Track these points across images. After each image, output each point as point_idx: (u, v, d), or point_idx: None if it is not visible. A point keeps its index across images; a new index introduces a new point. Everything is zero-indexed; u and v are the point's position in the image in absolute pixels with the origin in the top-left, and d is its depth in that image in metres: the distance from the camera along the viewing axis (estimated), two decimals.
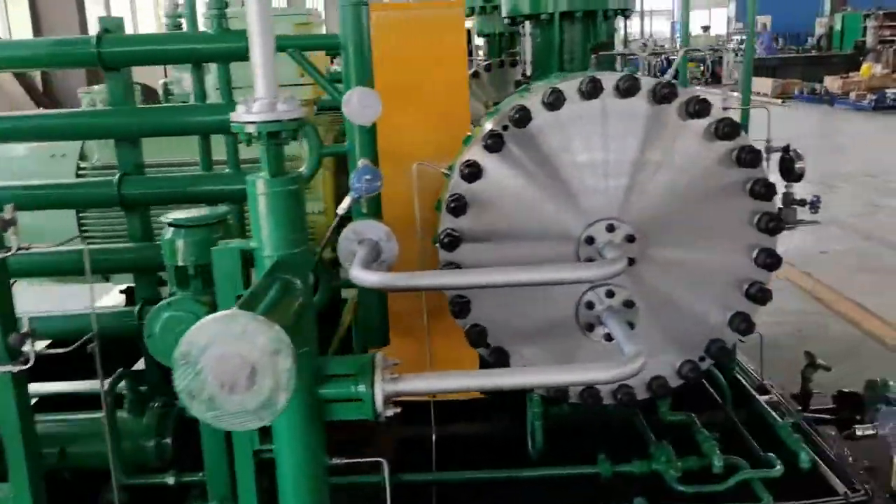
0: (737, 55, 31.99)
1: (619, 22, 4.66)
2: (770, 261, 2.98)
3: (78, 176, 4.12)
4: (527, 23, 4.25)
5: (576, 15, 4.06)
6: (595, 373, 2.41)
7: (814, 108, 21.96)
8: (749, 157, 2.88)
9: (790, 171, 3.19)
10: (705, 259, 3.03)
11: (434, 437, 3.41)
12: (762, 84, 25.85)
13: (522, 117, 2.89)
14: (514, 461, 3.41)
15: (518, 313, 3.08)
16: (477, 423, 3.70)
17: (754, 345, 4.16)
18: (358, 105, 2.97)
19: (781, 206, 3.29)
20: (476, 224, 3.00)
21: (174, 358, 1.80)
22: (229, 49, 3.17)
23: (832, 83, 23.20)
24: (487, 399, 3.76)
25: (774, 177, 3.29)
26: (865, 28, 27.94)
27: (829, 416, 3.82)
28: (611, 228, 2.97)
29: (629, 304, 3.02)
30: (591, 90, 2.86)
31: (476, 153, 2.95)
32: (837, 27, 29.89)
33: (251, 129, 2.21)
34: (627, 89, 2.86)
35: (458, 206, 2.94)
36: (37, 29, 12.84)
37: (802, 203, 3.21)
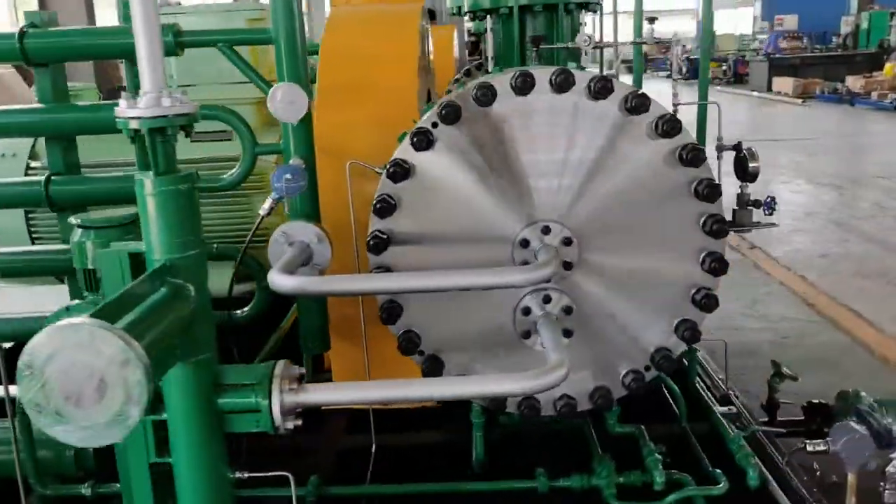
0: (757, 53, 31.45)
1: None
2: (716, 266, 2.81)
3: (27, 175, 4.04)
4: (488, 17, 4.11)
5: (535, 8, 3.93)
6: (509, 384, 2.25)
7: (834, 108, 21.54)
8: (691, 156, 2.72)
9: (745, 170, 3.01)
10: (649, 264, 2.87)
11: (374, 448, 3.28)
12: (783, 83, 25.49)
13: (450, 113, 2.75)
14: (461, 473, 3.27)
15: (453, 319, 2.94)
16: (430, 431, 3.56)
17: (733, 352, 4.00)
18: (283, 101, 2.86)
19: (736, 208, 3.12)
20: (406, 226, 2.86)
21: (18, 368, 1.69)
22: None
23: (854, 82, 22.77)
24: (442, 407, 3.62)
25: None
26: (891, 27, 27.39)
27: (796, 429, 3.63)
28: (546, 231, 2.82)
29: (568, 311, 2.87)
30: (522, 85, 2.71)
31: (404, 151, 2.81)
32: (864, 26, 29.33)
33: (135, 124, 2.09)
34: (561, 84, 2.71)
35: (384, 208, 2.81)
36: None
37: (757, 204, 3.03)
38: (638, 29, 4.36)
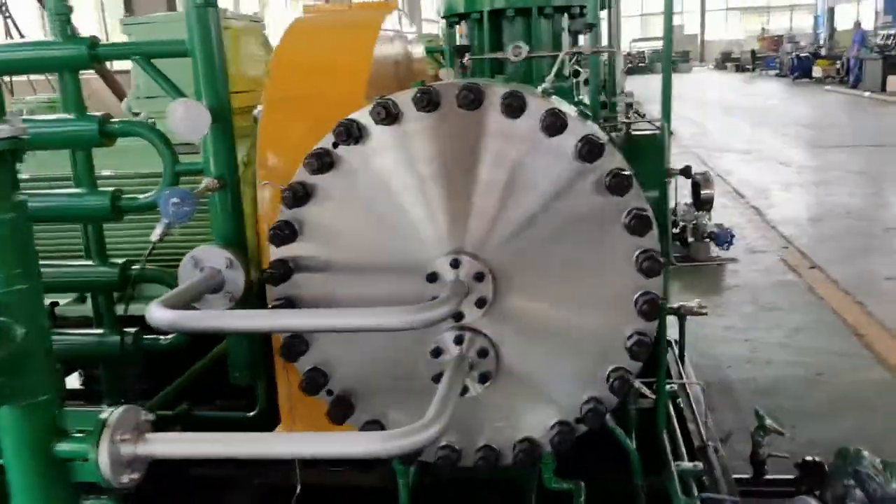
0: (871, 51, 29.48)
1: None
2: (647, 308, 2.45)
3: None
4: (463, 23, 3.83)
5: (507, 13, 3.62)
6: (354, 445, 1.99)
7: None
8: (614, 183, 2.37)
9: (698, 197, 2.63)
10: (576, 304, 2.53)
11: (299, 487, 3.06)
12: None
13: (351, 132, 2.49)
14: None
15: (363, 359, 2.68)
16: (362, 473, 3.31)
17: (755, 389, 3.57)
18: (181, 119, 2.67)
19: (692, 240, 2.73)
20: (310, 253, 2.62)
21: None
22: (72, 57, 2.93)
23: None
24: None
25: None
26: None
27: (787, 488, 3.20)
28: (455, 264, 2.52)
29: (483, 354, 2.56)
30: (428, 102, 2.43)
31: (302, 173, 2.57)
32: None
33: None
34: (470, 101, 2.41)
35: (280, 236, 2.58)
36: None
37: (712, 237, 2.64)
38: (668, 33, 3.95)
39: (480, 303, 2.53)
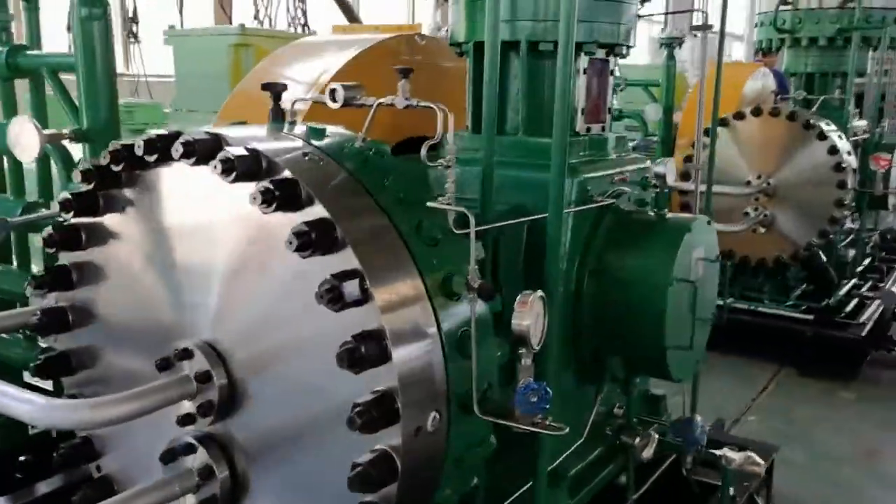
0: None
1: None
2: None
3: None
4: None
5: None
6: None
7: None
8: (301, 243, 1.67)
9: None
10: (318, 402, 1.85)
11: None
12: None
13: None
14: None
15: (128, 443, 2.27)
16: None
17: None
18: (15, 137, 2.48)
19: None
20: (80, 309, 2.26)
21: None
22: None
23: None
24: None
25: None
26: None
27: None
28: (186, 355, 1.98)
29: (206, 474, 1.99)
30: (150, 150, 1.92)
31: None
32: None
33: None
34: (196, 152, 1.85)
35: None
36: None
37: None
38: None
39: (206, 408, 1.97)
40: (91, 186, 2.10)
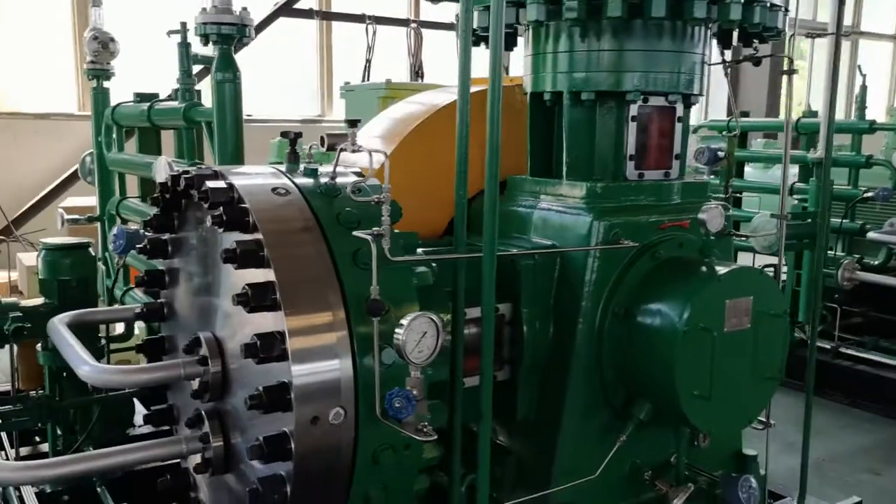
0: None
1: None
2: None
3: None
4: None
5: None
6: None
7: None
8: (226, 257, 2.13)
9: None
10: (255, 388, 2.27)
11: None
12: None
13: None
14: None
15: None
16: None
17: None
18: (154, 168, 3.27)
19: None
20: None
21: None
22: None
23: None
24: None
25: None
26: None
27: None
28: (198, 343, 2.52)
29: (205, 440, 2.50)
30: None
31: None
32: None
33: None
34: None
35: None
36: None
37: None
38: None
39: (202, 387, 2.49)
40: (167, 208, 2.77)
